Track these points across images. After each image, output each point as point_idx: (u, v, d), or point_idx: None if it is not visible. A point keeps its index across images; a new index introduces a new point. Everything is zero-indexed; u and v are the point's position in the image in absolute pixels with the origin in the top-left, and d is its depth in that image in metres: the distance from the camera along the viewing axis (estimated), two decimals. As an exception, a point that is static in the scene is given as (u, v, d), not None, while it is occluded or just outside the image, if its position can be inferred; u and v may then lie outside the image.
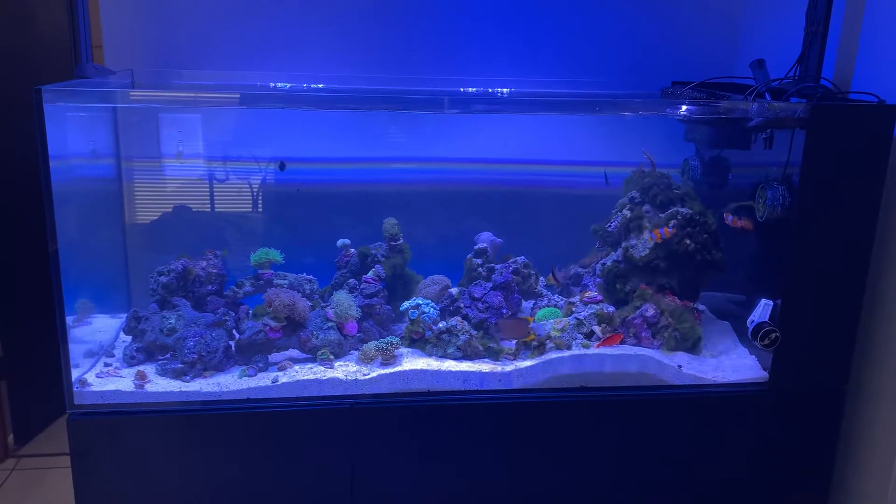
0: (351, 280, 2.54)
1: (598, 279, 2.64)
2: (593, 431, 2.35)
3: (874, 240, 2.27)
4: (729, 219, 2.49)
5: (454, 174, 2.95)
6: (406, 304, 2.40)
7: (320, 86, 2.86)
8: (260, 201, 2.88)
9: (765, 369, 2.39)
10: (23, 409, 3.33)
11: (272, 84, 2.84)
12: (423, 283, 2.68)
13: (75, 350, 2.24)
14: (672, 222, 2.44)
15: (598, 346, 2.37)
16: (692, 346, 2.45)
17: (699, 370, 2.39)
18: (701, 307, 2.72)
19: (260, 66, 2.84)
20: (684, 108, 2.41)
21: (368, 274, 2.53)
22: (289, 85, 2.84)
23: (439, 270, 2.79)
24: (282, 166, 2.56)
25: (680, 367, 2.37)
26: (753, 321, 2.36)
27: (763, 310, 2.35)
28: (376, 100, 2.44)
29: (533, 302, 2.70)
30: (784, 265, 2.28)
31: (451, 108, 2.34)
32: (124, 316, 2.70)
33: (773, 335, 2.30)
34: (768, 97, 2.49)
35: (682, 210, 2.50)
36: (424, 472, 2.31)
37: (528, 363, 2.33)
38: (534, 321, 2.59)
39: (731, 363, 2.43)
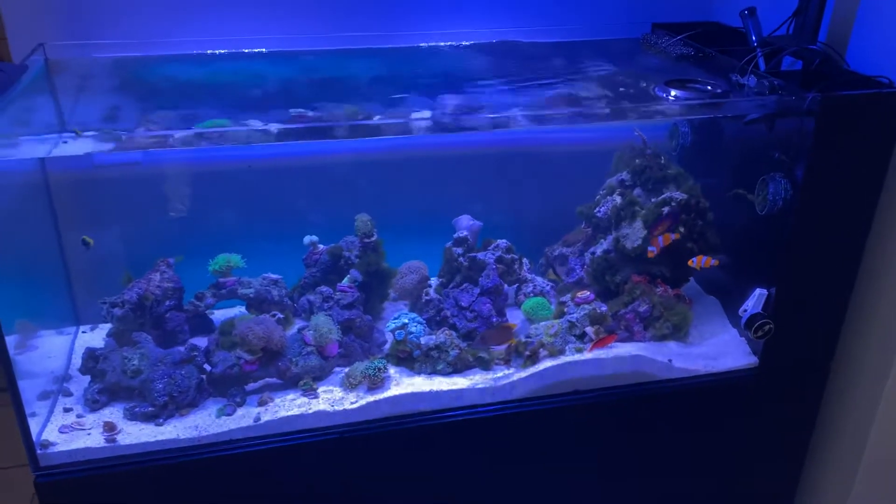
0: (324, 288, 2.32)
1: (587, 266, 2.50)
2: (588, 433, 2.31)
3: (871, 230, 2.20)
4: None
5: (420, 140, 2.68)
6: (392, 325, 2.23)
7: (263, 50, 2.49)
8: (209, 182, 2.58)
9: (755, 354, 2.37)
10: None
11: (209, 52, 2.46)
12: (400, 273, 2.48)
13: (28, 389, 2.02)
14: (673, 235, 2.27)
15: (591, 349, 2.27)
16: (684, 335, 2.39)
17: (690, 361, 2.33)
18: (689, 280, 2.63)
19: (191, 29, 2.44)
20: (673, 94, 2.16)
21: (343, 281, 2.32)
22: (225, 52, 2.47)
23: (412, 250, 2.60)
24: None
25: (670, 360, 2.31)
26: (747, 311, 2.29)
27: (757, 300, 2.28)
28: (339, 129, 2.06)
29: (517, 287, 2.55)
30: (782, 257, 2.19)
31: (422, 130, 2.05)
32: (73, 330, 2.47)
33: (767, 327, 2.25)
34: (762, 64, 2.29)
35: (676, 195, 2.34)
36: (420, 493, 2.26)
37: (521, 375, 2.23)
38: (520, 309, 2.47)
39: (721, 350, 2.38)
